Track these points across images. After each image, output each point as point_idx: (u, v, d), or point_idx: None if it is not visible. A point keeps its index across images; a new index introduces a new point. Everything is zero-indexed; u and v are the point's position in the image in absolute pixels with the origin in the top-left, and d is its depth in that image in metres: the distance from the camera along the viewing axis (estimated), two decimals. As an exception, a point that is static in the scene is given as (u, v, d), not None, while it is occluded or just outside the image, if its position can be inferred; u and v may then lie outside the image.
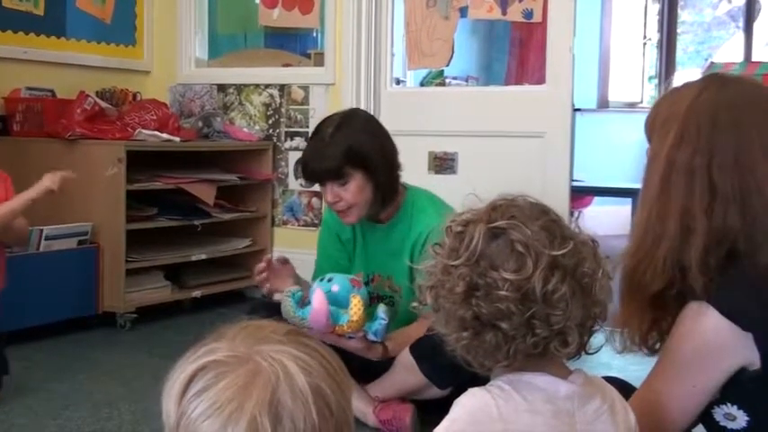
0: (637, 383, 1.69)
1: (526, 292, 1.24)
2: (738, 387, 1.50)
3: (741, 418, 1.51)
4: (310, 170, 2.67)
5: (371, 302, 2.73)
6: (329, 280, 2.42)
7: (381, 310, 2.43)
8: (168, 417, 0.91)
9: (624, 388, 1.59)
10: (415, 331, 2.53)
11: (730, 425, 1.53)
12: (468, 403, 1.29)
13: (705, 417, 1.56)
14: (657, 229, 1.53)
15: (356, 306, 2.33)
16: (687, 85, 1.61)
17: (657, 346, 1.60)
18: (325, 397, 0.90)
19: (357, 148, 2.62)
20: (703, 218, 1.49)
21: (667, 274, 1.51)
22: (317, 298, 2.31)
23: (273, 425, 0.86)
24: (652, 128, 1.62)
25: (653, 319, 1.57)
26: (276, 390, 0.88)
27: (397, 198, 2.74)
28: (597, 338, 1.35)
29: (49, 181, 2.88)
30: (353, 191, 2.64)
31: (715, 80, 1.58)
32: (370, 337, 2.39)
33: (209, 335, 0.96)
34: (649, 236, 1.54)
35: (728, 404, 1.52)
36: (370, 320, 2.40)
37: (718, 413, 1.54)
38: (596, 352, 1.35)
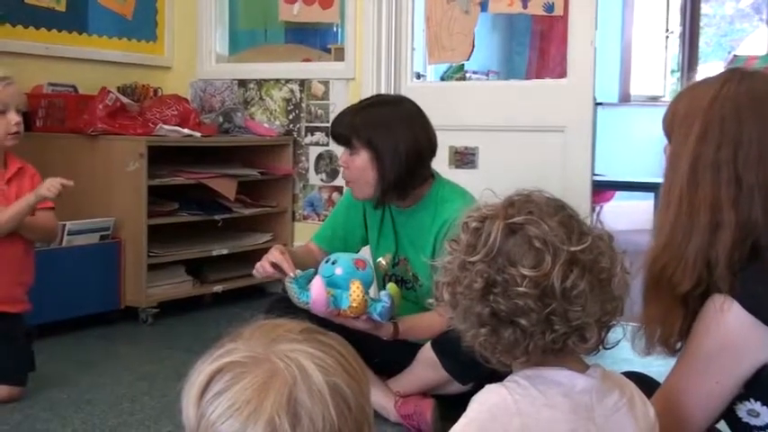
0: (659, 378, 1.68)
1: (545, 288, 1.23)
2: (762, 383, 1.48)
3: (765, 415, 1.50)
4: (331, 128, 2.80)
5: (398, 285, 2.72)
6: (333, 262, 2.42)
7: (385, 292, 2.44)
8: (188, 419, 0.91)
9: (645, 382, 1.59)
10: (429, 319, 2.53)
11: (753, 421, 1.51)
12: (486, 400, 1.29)
13: (728, 413, 1.55)
14: (686, 225, 1.51)
15: (355, 292, 2.34)
16: (706, 81, 1.59)
17: (678, 345, 1.58)
18: (343, 394, 0.90)
19: (371, 130, 2.64)
20: (731, 211, 1.48)
21: (697, 271, 1.49)
22: (315, 287, 2.34)
23: (292, 424, 0.86)
24: (671, 126, 1.60)
25: (677, 318, 1.55)
26: (293, 389, 0.87)
27: (417, 189, 2.72)
28: (615, 333, 1.34)
29: (45, 190, 2.80)
30: (357, 165, 2.67)
31: (735, 74, 1.56)
32: (375, 317, 2.40)
33: (227, 334, 0.96)
34: (678, 233, 1.52)
35: (752, 400, 1.50)
36: (375, 301, 2.40)
37: (741, 410, 1.52)
38: (614, 347, 1.35)
